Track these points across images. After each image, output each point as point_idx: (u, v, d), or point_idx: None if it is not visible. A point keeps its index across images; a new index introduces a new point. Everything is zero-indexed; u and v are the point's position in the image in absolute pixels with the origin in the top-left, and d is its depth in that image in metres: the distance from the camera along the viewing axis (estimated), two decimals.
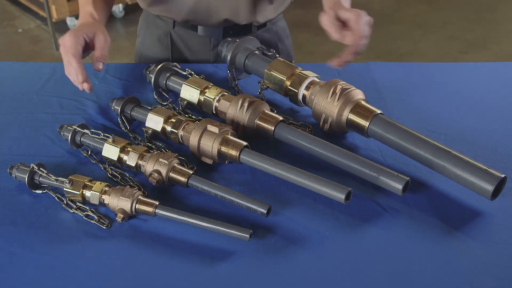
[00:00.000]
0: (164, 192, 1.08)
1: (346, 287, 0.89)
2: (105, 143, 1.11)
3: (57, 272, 0.92)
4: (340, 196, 1.00)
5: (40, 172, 1.06)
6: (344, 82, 1.19)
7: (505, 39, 4.05)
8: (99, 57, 1.25)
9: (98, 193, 1.02)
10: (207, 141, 1.10)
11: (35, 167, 1.06)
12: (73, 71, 1.21)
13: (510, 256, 0.94)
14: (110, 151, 1.10)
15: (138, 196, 1.01)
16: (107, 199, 1.01)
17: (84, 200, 1.04)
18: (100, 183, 1.04)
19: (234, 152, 1.09)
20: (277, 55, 1.33)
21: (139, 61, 1.61)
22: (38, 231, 0.99)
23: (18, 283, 0.90)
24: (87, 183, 1.04)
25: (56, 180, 1.05)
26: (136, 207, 1.00)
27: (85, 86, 1.22)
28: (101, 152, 1.12)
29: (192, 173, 1.06)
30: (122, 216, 0.99)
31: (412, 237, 0.98)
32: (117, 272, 0.92)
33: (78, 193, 1.03)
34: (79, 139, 1.16)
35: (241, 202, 1.01)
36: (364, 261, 0.93)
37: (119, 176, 1.10)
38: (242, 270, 0.92)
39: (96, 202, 1.03)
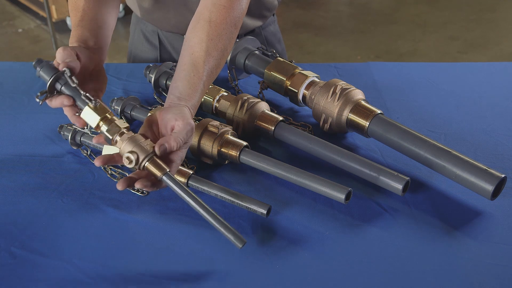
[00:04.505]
0: (163, 191, 1.07)
1: (346, 287, 0.89)
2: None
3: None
4: (340, 196, 1.00)
5: (67, 79, 0.96)
6: (344, 82, 1.19)
7: (505, 39, 4.05)
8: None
9: (118, 128, 0.94)
10: (207, 141, 1.10)
11: (68, 72, 0.95)
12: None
13: (510, 256, 0.94)
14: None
15: (154, 156, 0.93)
16: (123, 139, 0.93)
17: (97, 128, 0.96)
18: (123, 123, 0.96)
19: (234, 152, 1.09)
20: (277, 55, 1.33)
21: (129, 59, 1.61)
22: (38, 230, 0.99)
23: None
24: (108, 115, 0.96)
25: (84, 95, 0.95)
26: (146, 164, 0.92)
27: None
28: (101, 151, 1.11)
29: (192, 173, 1.06)
30: (132, 158, 0.91)
31: (412, 237, 0.98)
32: (118, 272, 0.92)
33: (98, 118, 0.95)
34: (79, 138, 1.16)
35: (241, 202, 1.00)
36: (364, 261, 0.93)
37: (118, 176, 1.10)
38: (242, 270, 0.92)
39: (110, 136, 0.95)
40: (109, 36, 1.14)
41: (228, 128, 1.13)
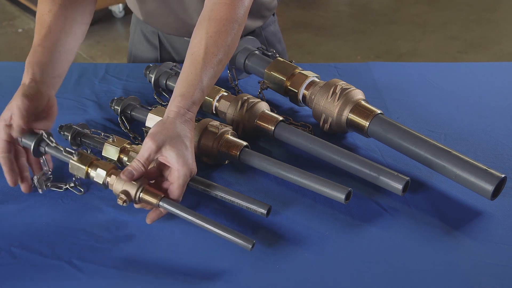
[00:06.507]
0: None
1: (346, 287, 0.89)
2: (105, 143, 1.10)
3: None
4: (340, 196, 1.00)
5: (48, 141, 1.04)
6: (344, 82, 1.19)
7: (505, 39, 4.05)
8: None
9: (105, 172, 0.99)
10: (207, 141, 1.10)
11: (44, 135, 1.04)
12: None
13: (510, 256, 0.94)
14: (110, 152, 1.09)
15: (145, 184, 0.97)
16: (112, 180, 0.98)
17: (88, 177, 1.02)
18: (108, 164, 1.01)
19: (234, 152, 1.09)
20: (277, 55, 1.33)
21: (129, 59, 1.61)
22: (38, 230, 0.99)
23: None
24: (95, 161, 1.02)
25: (64, 150, 1.03)
26: (141, 195, 0.96)
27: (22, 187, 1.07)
28: (101, 151, 1.12)
29: None
30: (124, 198, 0.95)
31: (412, 237, 0.98)
32: (118, 272, 0.92)
33: (84, 168, 1.01)
34: (79, 139, 1.16)
35: (241, 202, 1.00)
36: (364, 261, 0.93)
37: None
38: (242, 270, 0.92)
39: (100, 181, 1.00)
40: (69, 61, 1.14)
41: (228, 128, 1.13)
